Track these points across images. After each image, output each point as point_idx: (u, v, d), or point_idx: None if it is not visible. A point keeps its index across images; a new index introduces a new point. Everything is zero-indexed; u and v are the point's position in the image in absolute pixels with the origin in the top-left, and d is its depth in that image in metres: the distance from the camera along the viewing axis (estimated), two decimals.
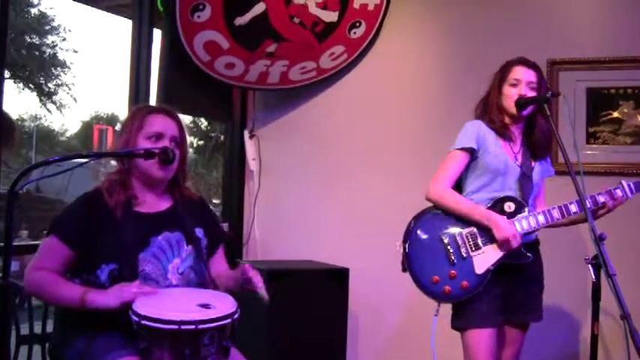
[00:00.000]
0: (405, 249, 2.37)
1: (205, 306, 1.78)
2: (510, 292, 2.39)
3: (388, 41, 3.67)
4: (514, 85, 2.40)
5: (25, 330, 2.19)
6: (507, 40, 3.30)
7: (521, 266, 2.36)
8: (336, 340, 3.20)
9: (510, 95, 2.39)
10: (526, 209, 2.35)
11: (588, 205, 2.21)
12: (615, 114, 3.22)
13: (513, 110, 2.39)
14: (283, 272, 3.10)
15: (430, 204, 2.44)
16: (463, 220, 2.36)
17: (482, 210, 2.34)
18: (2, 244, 1.68)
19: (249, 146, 3.88)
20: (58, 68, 17.93)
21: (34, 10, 16.58)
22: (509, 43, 3.22)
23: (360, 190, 3.66)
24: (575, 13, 3.32)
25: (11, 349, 2.02)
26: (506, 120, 2.43)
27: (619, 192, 2.34)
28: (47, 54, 17.43)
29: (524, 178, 2.39)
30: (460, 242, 2.34)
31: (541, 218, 2.34)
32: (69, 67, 18.07)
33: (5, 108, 2.69)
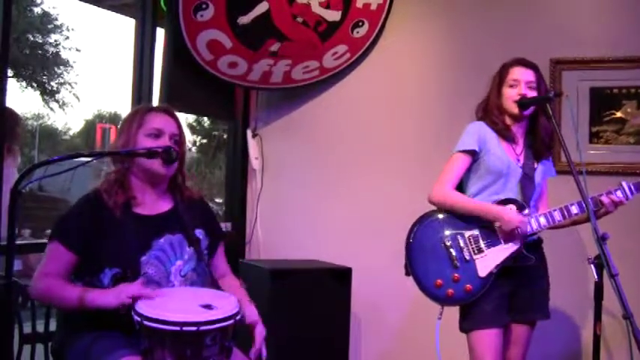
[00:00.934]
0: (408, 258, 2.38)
1: (208, 307, 1.77)
2: (515, 292, 2.39)
3: (391, 41, 3.66)
4: (513, 86, 2.40)
5: (27, 329, 2.19)
6: (511, 40, 3.29)
7: (525, 267, 2.36)
8: (338, 340, 3.19)
9: (510, 96, 2.39)
10: (527, 211, 2.35)
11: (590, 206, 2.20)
12: (618, 114, 3.21)
13: (515, 110, 2.38)
14: (286, 271, 3.10)
15: (432, 207, 2.44)
16: (465, 224, 2.37)
17: (488, 205, 2.34)
18: (5, 243, 1.67)
19: (252, 145, 3.87)
20: (61, 67, 17.98)
21: (37, 9, 16.63)
22: (512, 43, 3.22)
23: (363, 189, 3.65)
24: (578, 12, 3.30)
25: (14, 348, 2.03)
26: (508, 121, 2.43)
27: (619, 193, 2.33)
28: (50, 53, 17.47)
29: (526, 180, 2.39)
30: (463, 245, 2.35)
31: (542, 220, 2.34)
32: (72, 66, 18.15)
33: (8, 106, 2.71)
